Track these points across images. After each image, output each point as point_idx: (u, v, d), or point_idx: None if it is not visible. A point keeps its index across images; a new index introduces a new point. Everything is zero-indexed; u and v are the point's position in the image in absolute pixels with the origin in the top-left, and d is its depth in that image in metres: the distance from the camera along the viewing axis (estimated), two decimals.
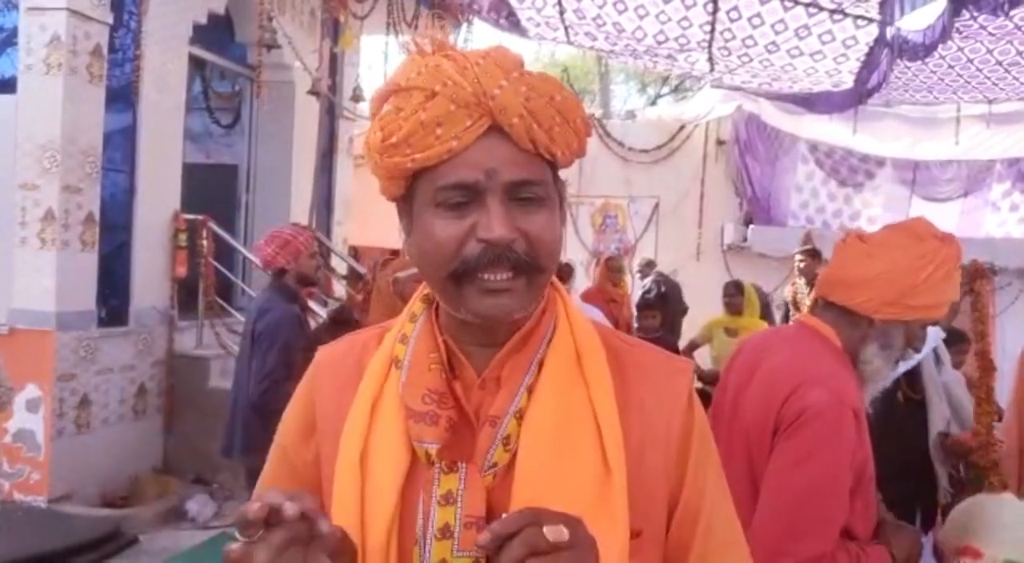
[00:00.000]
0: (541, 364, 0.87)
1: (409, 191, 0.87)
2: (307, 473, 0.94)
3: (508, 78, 0.82)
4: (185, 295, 6.09)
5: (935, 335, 2.78)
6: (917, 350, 1.75)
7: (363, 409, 0.88)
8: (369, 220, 9.75)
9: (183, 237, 5.96)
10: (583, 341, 0.90)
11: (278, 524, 0.69)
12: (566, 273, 4.48)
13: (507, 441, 0.83)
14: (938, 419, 2.74)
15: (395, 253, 7.96)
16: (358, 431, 0.87)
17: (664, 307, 6.40)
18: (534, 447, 0.82)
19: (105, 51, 5.14)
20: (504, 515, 0.72)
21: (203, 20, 6.15)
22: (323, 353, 0.99)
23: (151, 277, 5.77)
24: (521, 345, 0.88)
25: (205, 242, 6.10)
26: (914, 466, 2.71)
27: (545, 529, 0.69)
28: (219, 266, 6.30)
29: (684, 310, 7.58)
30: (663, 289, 7.40)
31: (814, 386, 1.57)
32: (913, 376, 2.71)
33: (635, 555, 0.82)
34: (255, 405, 3.44)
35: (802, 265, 6.04)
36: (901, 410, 2.69)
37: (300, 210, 7.14)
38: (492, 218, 0.80)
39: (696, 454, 0.91)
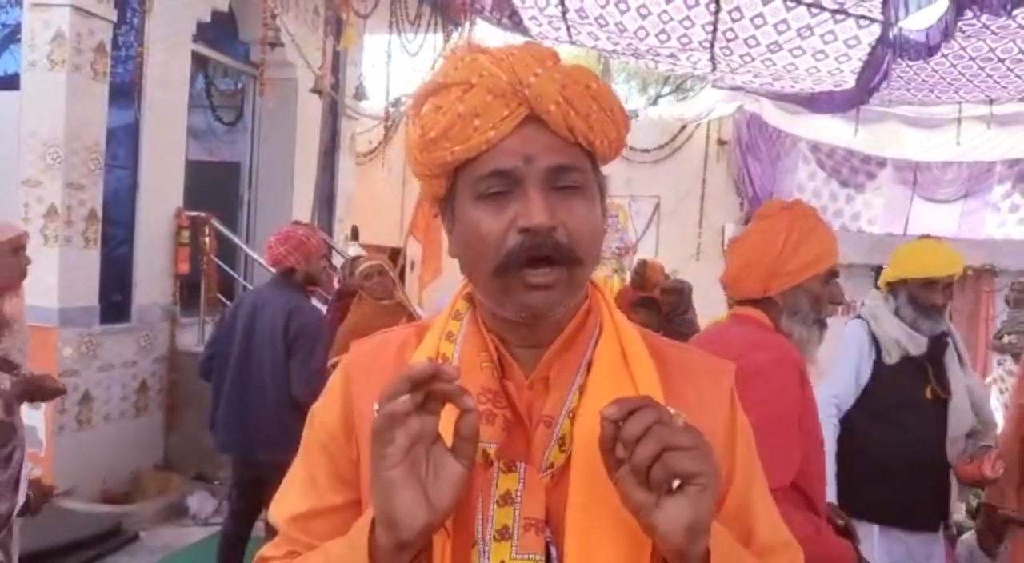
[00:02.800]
0: (590, 364, 0.86)
1: (450, 190, 0.87)
2: (350, 472, 0.91)
3: (543, 67, 0.82)
4: (187, 292, 6.10)
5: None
6: (837, 302, 1.89)
7: None
8: (370, 218, 9.79)
9: (185, 234, 5.98)
10: (628, 341, 0.89)
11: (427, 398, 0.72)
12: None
13: (562, 442, 0.82)
14: (957, 422, 2.73)
15: (396, 251, 7.98)
16: None
17: (657, 307, 6.39)
18: (588, 448, 0.80)
19: (109, 48, 5.14)
20: (617, 407, 0.72)
21: (206, 18, 6.16)
22: (355, 350, 0.97)
23: (153, 274, 5.78)
24: (568, 345, 0.87)
25: (207, 239, 6.11)
26: (929, 467, 2.71)
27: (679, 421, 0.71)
28: (221, 263, 6.32)
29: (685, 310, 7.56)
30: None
31: (761, 349, 1.75)
32: (942, 377, 2.73)
33: None
34: (307, 402, 3.47)
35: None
36: (928, 408, 2.71)
37: (302, 207, 7.15)
38: (532, 205, 0.80)
39: (741, 451, 0.91)
